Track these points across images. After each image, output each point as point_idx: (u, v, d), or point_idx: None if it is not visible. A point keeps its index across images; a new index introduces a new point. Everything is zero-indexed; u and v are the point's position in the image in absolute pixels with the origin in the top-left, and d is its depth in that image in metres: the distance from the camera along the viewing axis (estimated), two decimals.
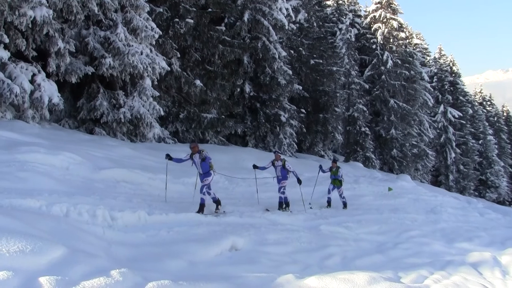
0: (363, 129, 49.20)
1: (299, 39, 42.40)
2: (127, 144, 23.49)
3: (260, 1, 35.28)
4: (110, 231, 9.77)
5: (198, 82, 29.70)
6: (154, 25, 25.46)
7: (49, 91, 21.15)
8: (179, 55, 29.08)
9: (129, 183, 15.81)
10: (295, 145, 38.02)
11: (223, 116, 31.99)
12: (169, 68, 26.45)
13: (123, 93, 25.25)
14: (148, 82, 25.20)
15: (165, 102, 29.63)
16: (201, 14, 30.70)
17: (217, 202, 14.64)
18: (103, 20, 24.32)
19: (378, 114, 52.94)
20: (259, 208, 16.32)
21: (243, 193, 17.88)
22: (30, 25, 20.08)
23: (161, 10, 28.75)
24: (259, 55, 34.91)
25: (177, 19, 29.08)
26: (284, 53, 36.38)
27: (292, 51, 40.62)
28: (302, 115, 40.28)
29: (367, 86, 52.29)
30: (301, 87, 39.69)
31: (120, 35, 23.78)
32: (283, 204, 16.90)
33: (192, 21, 29.50)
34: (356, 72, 51.82)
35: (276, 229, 13.06)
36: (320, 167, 20.51)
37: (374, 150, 51.33)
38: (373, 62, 53.45)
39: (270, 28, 35.09)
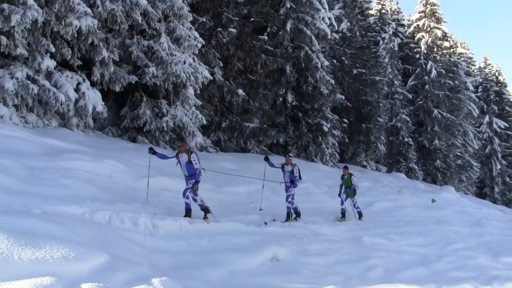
0: (406, 139, 48.67)
1: (342, 48, 42.25)
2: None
3: (302, 11, 35.36)
4: (151, 239, 9.80)
5: (240, 91, 29.78)
6: (197, 35, 25.57)
7: (93, 99, 21.42)
8: (221, 65, 29.17)
9: (171, 192, 15.86)
10: (337, 155, 37.85)
11: (265, 126, 32.02)
12: (211, 77, 26.52)
13: (166, 102, 25.41)
14: (191, 91, 25.32)
15: (208, 111, 29.72)
16: (244, 24, 30.77)
17: (205, 210, 13.10)
18: (147, 29, 24.54)
19: (422, 125, 52.32)
20: (301, 218, 16.27)
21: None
22: (75, 35, 20.37)
23: (204, 19, 28.90)
24: (301, 64, 34.94)
25: (220, 29, 29.19)
26: (326, 63, 36.37)
27: (334, 61, 40.53)
28: (344, 125, 40.02)
29: (410, 96, 51.83)
30: (343, 97, 39.50)
31: (163, 44, 23.95)
32: (292, 215, 16.01)
33: (234, 30, 29.60)
34: (399, 81, 51.37)
35: (317, 240, 12.95)
36: (339, 194, 18.54)
37: (417, 160, 50.67)
38: (416, 71, 52.91)
39: (313, 37, 35.08)
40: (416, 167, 48.74)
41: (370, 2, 52.82)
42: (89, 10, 20.03)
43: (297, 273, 9.52)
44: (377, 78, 44.05)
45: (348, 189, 18.42)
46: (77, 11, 19.37)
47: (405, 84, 52.96)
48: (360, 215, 18.61)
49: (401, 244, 14.78)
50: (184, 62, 24.23)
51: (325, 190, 23.89)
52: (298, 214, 16.31)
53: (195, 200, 12.91)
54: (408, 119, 49.75)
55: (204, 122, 26.31)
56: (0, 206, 9.04)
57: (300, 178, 16.46)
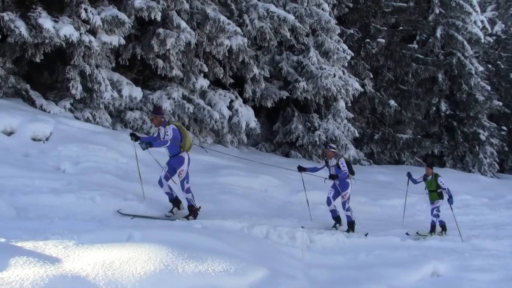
0: None
1: (497, 52, 40.58)
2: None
3: (452, 16, 34.34)
4: (308, 254, 9.71)
5: (392, 102, 29.37)
6: (345, 47, 25.50)
7: (246, 116, 21.90)
8: (371, 76, 28.98)
9: (326, 206, 15.76)
10: (496, 165, 36.11)
11: (418, 136, 31.37)
12: (362, 89, 26.36)
13: (317, 115, 25.54)
14: (342, 104, 25.23)
15: (360, 124, 29.59)
16: (392, 33, 30.43)
17: (174, 201, 10.49)
18: (295, 44, 24.76)
19: None
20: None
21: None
22: (226, 54, 20.90)
23: (352, 31, 28.91)
24: (454, 71, 33.84)
25: (368, 40, 29.02)
26: (481, 68, 35.05)
27: (489, 65, 39.05)
28: (503, 132, 38.30)
29: None
30: (501, 103, 37.85)
31: (312, 58, 24.04)
32: (353, 224, 12.93)
33: (383, 40, 29.32)
34: None
35: (480, 255, 12.22)
36: (409, 175, 15.00)
37: None
38: None
39: (465, 42, 33.92)
40: None
41: None
42: (238, 29, 20.43)
43: None
44: None
45: (434, 193, 14.35)
46: (227, 31, 19.83)
47: None
48: (432, 227, 14.46)
49: None
50: (334, 75, 24.18)
51: (484, 202, 22.67)
52: (339, 220, 13.07)
53: (182, 188, 10.38)
54: None
55: (357, 134, 26.16)
56: (163, 221, 9.61)
57: (352, 173, 12.88)
